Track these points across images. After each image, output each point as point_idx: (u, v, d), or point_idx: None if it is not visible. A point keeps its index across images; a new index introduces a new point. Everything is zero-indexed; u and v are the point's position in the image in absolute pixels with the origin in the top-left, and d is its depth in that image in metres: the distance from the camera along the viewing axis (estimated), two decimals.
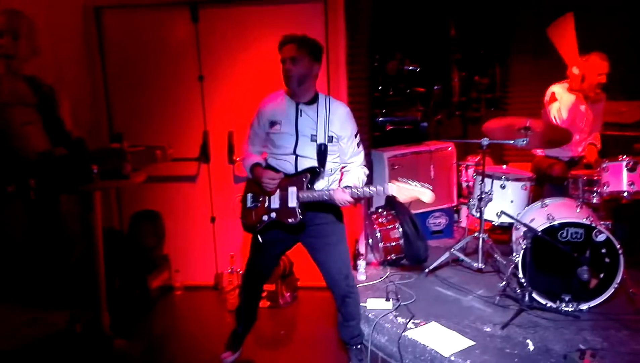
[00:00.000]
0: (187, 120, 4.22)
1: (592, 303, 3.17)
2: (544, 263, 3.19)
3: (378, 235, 3.97)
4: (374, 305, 3.34)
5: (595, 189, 3.55)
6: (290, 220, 2.73)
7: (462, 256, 3.72)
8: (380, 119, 4.75)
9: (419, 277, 3.76)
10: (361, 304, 3.39)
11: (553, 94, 3.93)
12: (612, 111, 4.27)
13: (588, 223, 3.12)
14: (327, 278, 2.93)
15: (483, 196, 3.60)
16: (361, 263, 3.81)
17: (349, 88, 4.00)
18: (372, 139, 4.59)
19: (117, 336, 3.39)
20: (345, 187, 2.69)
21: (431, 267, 3.76)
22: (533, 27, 4.92)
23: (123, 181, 3.31)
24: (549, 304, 3.19)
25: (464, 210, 4.68)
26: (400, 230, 3.99)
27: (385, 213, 4.12)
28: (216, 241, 4.40)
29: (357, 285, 3.66)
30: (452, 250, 3.71)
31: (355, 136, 2.82)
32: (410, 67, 5.06)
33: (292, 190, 2.73)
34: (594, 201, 3.56)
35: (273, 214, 2.78)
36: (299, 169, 2.77)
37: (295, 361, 3.37)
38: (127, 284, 3.88)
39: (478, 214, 3.64)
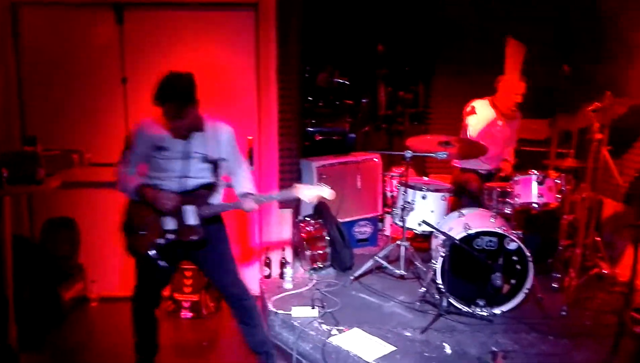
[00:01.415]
0: (108, 124, 4.05)
1: (505, 308, 3.36)
2: (461, 270, 3.35)
3: (305, 242, 4.00)
4: (300, 313, 3.35)
5: (508, 200, 3.78)
6: (193, 237, 2.73)
7: (385, 263, 3.82)
8: (310, 129, 4.81)
9: (344, 284, 3.82)
10: (286, 312, 3.40)
11: (473, 108, 4.15)
12: (525, 128, 4.57)
13: (501, 232, 3.32)
14: (224, 286, 2.96)
15: (406, 205, 3.73)
16: (288, 271, 3.81)
17: (279, 98, 4.02)
18: (302, 148, 4.63)
19: (24, 350, 3.16)
20: (253, 196, 2.83)
21: (356, 274, 3.84)
22: (455, 48, 5.19)
23: (35, 186, 3.11)
24: (465, 309, 3.35)
25: (388, 219, 4.81)
26: (327, 238, 4.05)
27: (312, 221, 4.16)
28: None
29: (284, 294, 3.69)
30: (376, 257, 3.81)
31: (239, 152, 2.95)
32: (340, 80, 5.17)
33: (189, 208, 2.72)
34: (507, 212, 3.79)
35: (171, 236, 2.73)
36: (186, 189, 2.76)
37: None
38: (38, 295, 3.63)
39: (401, 223, 3.76)
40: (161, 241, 2.74)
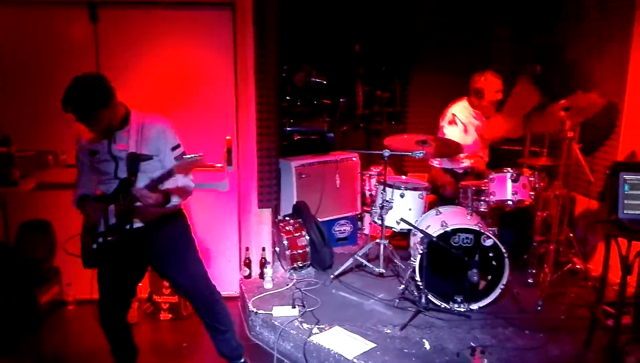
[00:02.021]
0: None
1: (482, 303, 3.43)
2: (439, 267, 3.41)
3: (285, 242, 4.01)
4: (280, 312, 3.37)
5: (483, 198, 3.85)
6: (109, 238, 2.66)
7: (365, 261, 3.86)
8: (288, 128, 4.81)
9: (325, 283, 3.84)
10: (267, 312, 3.41)
11: (454, 116, 4.21)
12: (500, 127, 4.64)
13: (477, 229, 3.38)
14: (188, 291, 2.88)
15: (384, 204, 3.77)
16: (268, 271, 3.82)
17: (257, 97, 4.01)
18: (280, 148, 4.63)
19: (0, 355, 3.10)
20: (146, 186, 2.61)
21: (336, 273, 3.87)
22: (431, 46, 5.26)
23: (9, 188, 3.06)
24: (443, 305, 3.40)
25: (367, 218, 4.85)
26: (307, 237, 4.07)
27: (292, 221, 4.17)
28: None
29: (264, 294, 3.69)
30: (356, 256, 3.84)
31: (174, 149, 2.71)
32: (317, 79, 5.18)
33: (111, 208, 2.66)
34: (483, 209, 3.86)
35: (100, 239, 2.68)
36: None
37: None
38: (13, 299, 3.56)
39: (380, 222, 3.80)
40: (94, 246, 2.69)
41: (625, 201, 2.90)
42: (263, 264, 3.92)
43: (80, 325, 3.83)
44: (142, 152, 2.64)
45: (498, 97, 4.21)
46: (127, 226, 2.65)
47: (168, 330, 3.79)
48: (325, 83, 5.21)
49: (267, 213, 4.18)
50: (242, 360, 3.03)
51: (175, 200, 2.65)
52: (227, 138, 3.98)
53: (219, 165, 3.91)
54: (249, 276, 4.01)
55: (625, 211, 2.89)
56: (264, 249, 4.02)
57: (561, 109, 3.59)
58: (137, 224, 2.69)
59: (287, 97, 4.95)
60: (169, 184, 2.61)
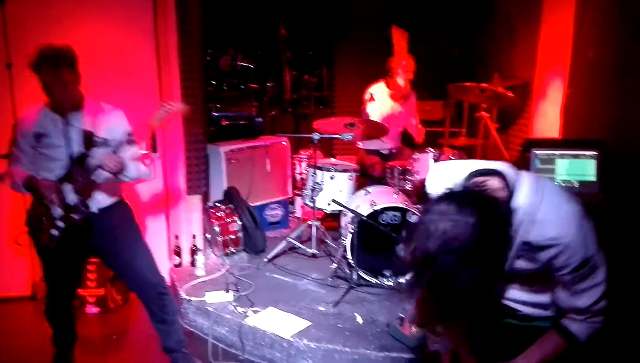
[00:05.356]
0: None
1: (409, 277, 3.58)
2: (369, 244, 3.52)
3: (217, 228, 3.97)
4: (214, 298, 3.34)
5: (408, 177, 4.01)
6: (75, 217, 2.57)
7: (297, 243, 3.91)
8: (216, 114, 4.73)
9: (258, 267, 3.85)
10: (200, 299, 3.37)
11: (372, 95, 4.35)
12: (419, 109, 4.85)
13: (404, 206, 3.52)
14: (139, 280, 2.81)
15: (315, 186, 3.83)
16: (199, 259, 3.77)
17: (182, 80, 3.91)
18: (208, 134, 4.55)
19: None
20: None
21: (270, 256, 3.89)
22: (354, 32, 5.36)
23: None
24: (374, 280, 3.53)
25: (298, 201, 4.90)
26: (239, 222, 4.05)
27: (223, 207, 4.14)
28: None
29: (196, 281, 3.65)
30: (288, 238, 3.88)
31: (129, 135, 2.73)
32: (244, 64, 5.12)
33: (67, 188, 2.58)
34: (408, 188, 4.02)
35: (61, 224, 2.57)
36: None
37: None
38: None
39: (311, 204, 3.86)
40: (55, 232, 2.57)
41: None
42: (194, 252, 3.86)
43: (3, 325, 3.60)
44: (98, 134, 2.62)
45: (409, 77, 4.32)
46: (89, 204, 2.61)
47: (95, 323, 3.65)
48: (252, 67, 5.16)
49: (196, 199, 4.11)
50: (185, 351, 2.97)
51: (132, 170, 2.64)
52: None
53: (143, 151, 3.78)
54: (179, 265, 3.93)
55: None
56: (194, 236, 3.95)
57: (478, 92, 3.81)
58: (92, 209, 2.64)
59: (213, 82, 4.86)
60: (123, 153, 2.61)
